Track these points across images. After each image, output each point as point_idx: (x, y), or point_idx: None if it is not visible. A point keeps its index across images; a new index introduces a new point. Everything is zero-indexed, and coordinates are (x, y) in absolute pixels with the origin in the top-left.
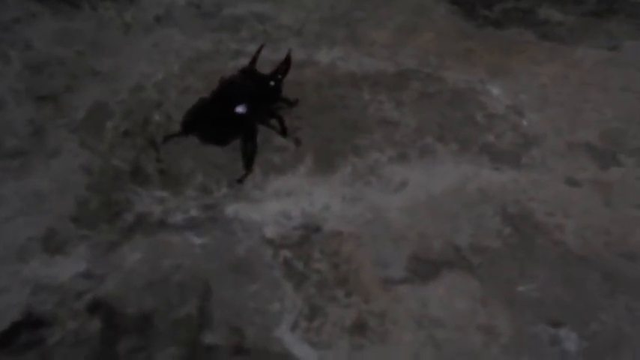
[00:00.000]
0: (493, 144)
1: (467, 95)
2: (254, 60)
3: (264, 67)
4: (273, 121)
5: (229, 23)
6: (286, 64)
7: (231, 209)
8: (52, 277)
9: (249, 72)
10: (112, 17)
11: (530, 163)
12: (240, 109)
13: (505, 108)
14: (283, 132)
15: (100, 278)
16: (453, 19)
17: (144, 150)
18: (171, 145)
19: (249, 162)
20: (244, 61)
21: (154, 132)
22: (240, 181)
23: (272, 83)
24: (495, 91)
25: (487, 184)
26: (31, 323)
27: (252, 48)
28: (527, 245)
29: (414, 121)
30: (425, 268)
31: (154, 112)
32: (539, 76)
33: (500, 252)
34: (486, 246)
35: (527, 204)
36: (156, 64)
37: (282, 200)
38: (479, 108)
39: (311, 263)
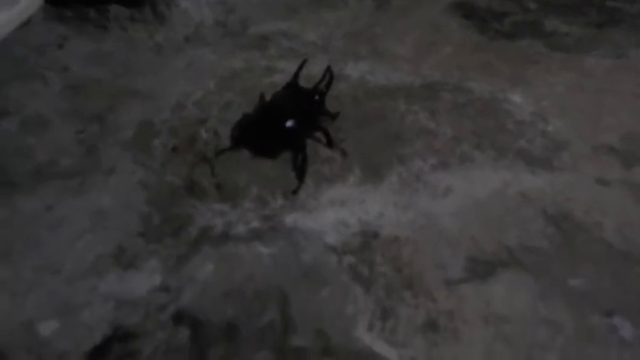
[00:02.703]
0: (526, 149)
1: (494, 104)
2: (297, 75)
3: (300, 82)
4: (319, 134)
5: (257, 42)
6: (329, 78)
7: (290, 219)
8: (130, 292)
9: (293, 87)
10: (142, 38)
11: (561, 166)
12: (290, 123)
13: (530, 115)
14: (330, 144)
15: (178, 291)
16: (467, 33)
17: (196, 165)
18: (223, 159)
19: (301, 174)
20: (277, 77)
21: (203, 148)
22: (295, 192)
23: (317, 97)
24: (518, 99)
25: (526, 187)
26: (122, 336)
27: (282, 65)
28: (571, 243)
29: (450, 129)
30: (482, 268)
31: (200, 129)
32: (555, 85)
33: (548, 251)
34: (534, 246)
35: (565, 204)
36: (192, 82)
37: (337, 209)
38: (507, 116)
39: (375, 267)
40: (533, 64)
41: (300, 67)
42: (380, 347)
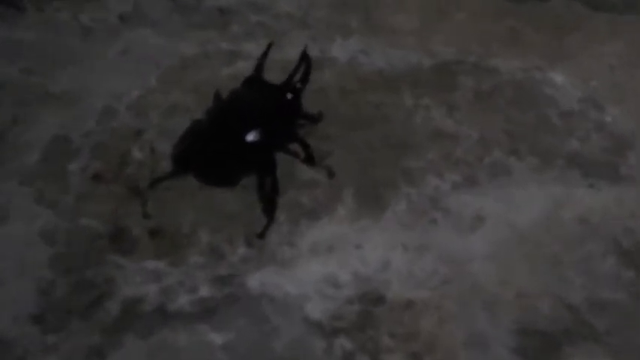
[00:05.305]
0: (580, 152)
1: (529, 89)
2: (260, 65)
3: (270, 72)
4: (295, 146)
5: (216, 17)
6: (305, 67)
7: (255, 280)
8: None
9: (256, 82)
10: (65, 20)
11: (630, 173)
12: (251, 135)
13: (579, 102)
14: (310, 160)
15: None
16: None
17: (124, 201)
18: (161, 191)
19: (270, 207)
20: (242, 65)
21: (136, 174)
22: (262, 235)
23: (289, 96)
24: (559, 79)
25: (586, 209)
26: None
27: (249, 47)
28: None
29: (474, 130)
30: (537, 344)
31: (132, 146)
32: (604, 57)
33: (628, 307)
34: (608, 300)
35: None
36: (128, 77)
37: (322, 259)
38: (549, 105)
39: (381, 356)
40: (572, 30)
41: (265, 55)
42: None
